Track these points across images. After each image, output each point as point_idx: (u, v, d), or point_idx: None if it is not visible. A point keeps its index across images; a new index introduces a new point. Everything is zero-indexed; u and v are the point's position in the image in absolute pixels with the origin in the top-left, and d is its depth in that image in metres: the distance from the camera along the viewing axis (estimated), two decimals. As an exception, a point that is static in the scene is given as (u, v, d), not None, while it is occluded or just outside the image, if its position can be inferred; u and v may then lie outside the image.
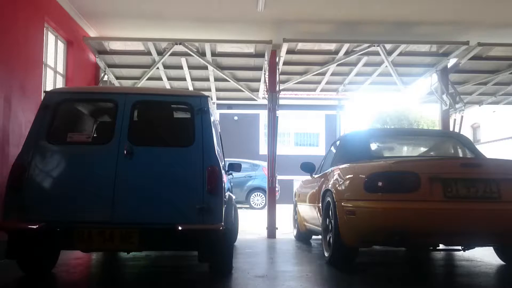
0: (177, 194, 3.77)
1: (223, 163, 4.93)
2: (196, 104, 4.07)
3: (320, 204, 5.24)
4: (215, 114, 5.21)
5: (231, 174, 6.18)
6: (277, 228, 7.83)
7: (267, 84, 8.06)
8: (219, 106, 11.20)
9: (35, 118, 3.96)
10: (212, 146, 3.94)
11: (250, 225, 10.16)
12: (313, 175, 6.35)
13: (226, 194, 4.25)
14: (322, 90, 9.74)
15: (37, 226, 3.52)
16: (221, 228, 3.74)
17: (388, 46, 7.55)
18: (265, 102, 8.16)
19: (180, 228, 3.54)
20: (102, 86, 6.68)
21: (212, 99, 9.63)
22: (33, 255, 3.88)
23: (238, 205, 6.46)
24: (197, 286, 3.95)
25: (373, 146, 5.55)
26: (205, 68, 8.14)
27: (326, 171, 5.53)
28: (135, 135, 3.92)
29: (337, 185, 4.65)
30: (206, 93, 4.24)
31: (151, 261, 5.20)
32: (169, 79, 8.75)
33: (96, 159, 3.84)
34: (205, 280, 4.15)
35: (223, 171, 4.10)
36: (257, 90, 9.14)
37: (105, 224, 3.63)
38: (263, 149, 19.05)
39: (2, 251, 4.17)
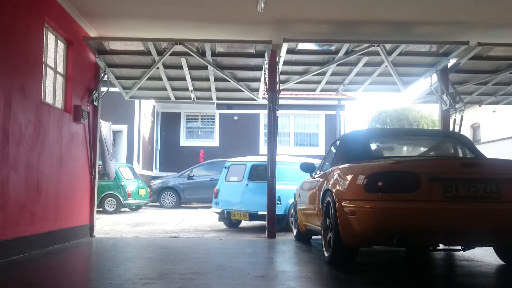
0: (262, 200, 8.39)
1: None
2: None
3: (320, 204, 5.24)
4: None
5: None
6: (277, 228, 7.87)
7: (267, 84, 8.06)
8: (219, 106, 11.21)
9: (222, 173, 10.22)
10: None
11: (249, 225, 10.17)
12: (313, 175, 6.35)
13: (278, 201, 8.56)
14: (322, 90, 9.73)
15: (220, 210, 9.64)
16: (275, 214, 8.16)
17: (388, 46, 7.54)
18: (265, 102, 8.15)
19: (258, 213, 8.82)
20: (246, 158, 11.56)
21: (212, 99, 9.69)
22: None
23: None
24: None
25: (373, 146, 5.54)
26: (205, 68, 8.13)
27: (326, 171, 5.53)
28: (251, 177, 9.42)
29: (337, 185, 4.65)
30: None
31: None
32: (169, 79, 8.75)
33: (238, 187, 9.47)
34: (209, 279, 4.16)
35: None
36: (257, 90, 9.14)
37: (239, 211, 9.23)
38: (263, 149, 19.05)
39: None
